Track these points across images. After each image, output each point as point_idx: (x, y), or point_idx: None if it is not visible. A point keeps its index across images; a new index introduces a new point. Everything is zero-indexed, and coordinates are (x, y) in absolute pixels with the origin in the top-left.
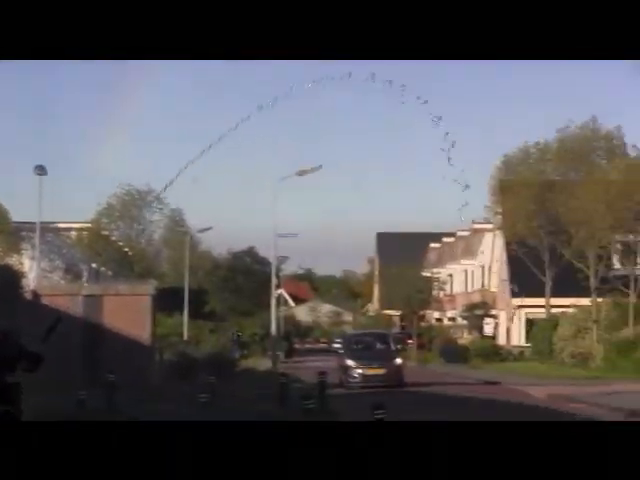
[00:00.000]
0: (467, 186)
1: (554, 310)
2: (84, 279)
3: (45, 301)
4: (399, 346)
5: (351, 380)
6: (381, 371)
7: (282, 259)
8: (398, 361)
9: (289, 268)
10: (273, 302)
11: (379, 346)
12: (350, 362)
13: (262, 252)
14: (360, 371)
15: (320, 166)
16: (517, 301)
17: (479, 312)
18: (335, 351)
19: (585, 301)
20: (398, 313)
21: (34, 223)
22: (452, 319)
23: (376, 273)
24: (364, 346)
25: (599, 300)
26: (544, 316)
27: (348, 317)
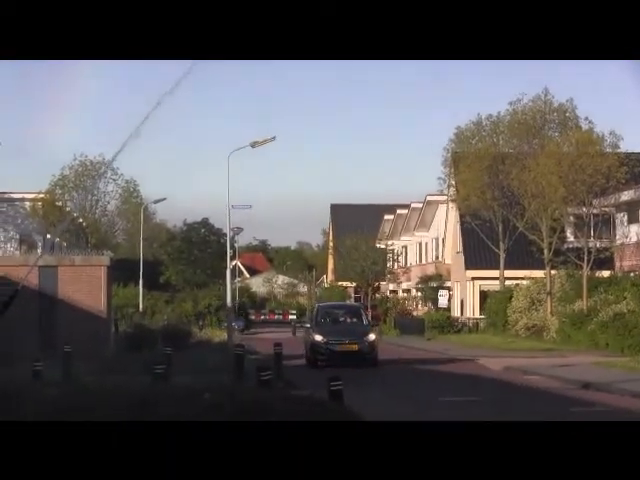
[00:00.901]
0: None
1: (508, 282)
2: (39, 250)
3: None
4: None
5: (319, 357)
6: (353, 347)
7: (237, 230)
8: (372, 337)
9: (244, 239)
10: (228, 273)
11: (350, 320)
12: (318, 337)
13: (217, 223)
14: (330, 347)
15: (274, 137)
16: (471, 273)
17: (434, 284)
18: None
19: (539, 273)
20: (353, 285)
21: None
22: (407, 291)
23: (330, 245)
24: (334, 320)
25: (553, 272)
26: (498, 288)
27: (303, 289)
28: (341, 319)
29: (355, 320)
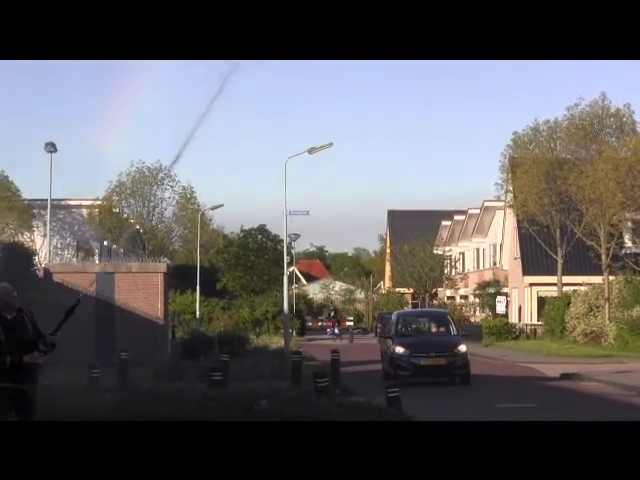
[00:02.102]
0: None
1: (566, 288)
2: (96, 257)
3: (57, 279)
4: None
5: (401, 372)
6: (441, 361)
7: (294, 237)
8: (462, 349)
9: (301, 246)
10: (285, 280)
11: (436, 329)
12: (400, 349)
13: (274, 230)
14: (413, 361)
15: (331, 144)
16: (529, 279)
17: (491, 290)
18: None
19: (597, 279)
20: (410, 291)
21: (45, 200)
22: (464, 297)
23: (388, 251)
24: (417, 329)
25: (611, 278)
26: (556, 294)
27: (360, 295)
28: (425, 328)
29: (442, 329)
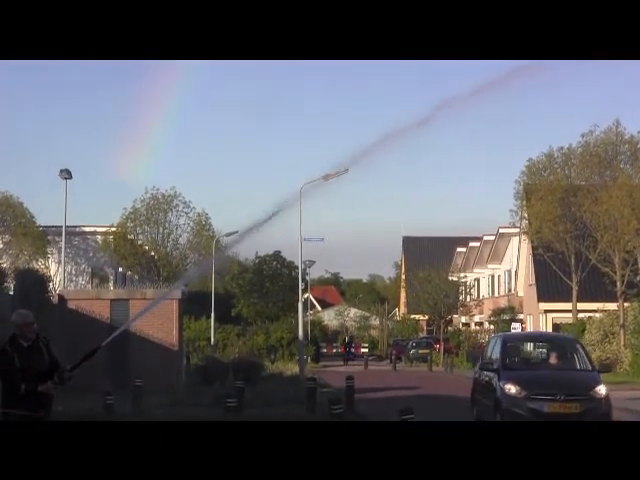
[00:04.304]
0: None
1: (581, 315)
2: (110, 283)
3: (72, 305)
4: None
5: (516, 418)
6: (574, 408)
7: (309, 263)
8: (602, 390)
9: (316, 272)
10: (300, 306)
11: (560, 360)
12: (513, 389)
13: (289, 256)
14: (533, 406)
15: (346, 170)
16: (544, 305)
17: (506, 317)
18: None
19: (612, 306)
20: (425, 318)
21: (60, 227)
22: (479, 324)
23: (402, 277)
24: (532, 360)
25: (626, 305)
26: (571, 321)
27: (375, 322)
28: (545, 359)
29: (568, 361)
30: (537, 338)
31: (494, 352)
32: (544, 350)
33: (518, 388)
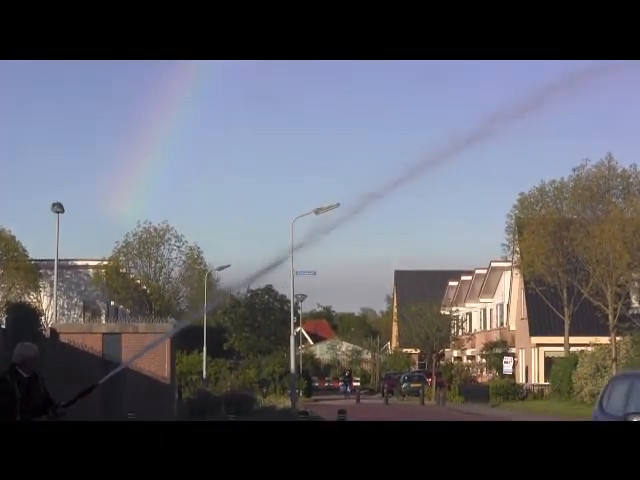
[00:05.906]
0: None
1: (573, 349)
2: (102, 317)
3: (64, 339)
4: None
5: None
6: None
7: (301, 297)
8: None
9: (308, 306)
10: (292, 340)
11: None
12: None
13: (281, 290)
14: None
15: (338, 204)
16: (536, 339)
17: (498, 351)
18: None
19: (604, 339)
20: (417, 351)
21: (52, 260)
22: (471, 357)
23: (394, 311)
24: None
25: (618, 339)
26: (563, 355)
27: (367, 355)
28: None
29: None
30: None
31: (612, 395)
32: None
33: None
